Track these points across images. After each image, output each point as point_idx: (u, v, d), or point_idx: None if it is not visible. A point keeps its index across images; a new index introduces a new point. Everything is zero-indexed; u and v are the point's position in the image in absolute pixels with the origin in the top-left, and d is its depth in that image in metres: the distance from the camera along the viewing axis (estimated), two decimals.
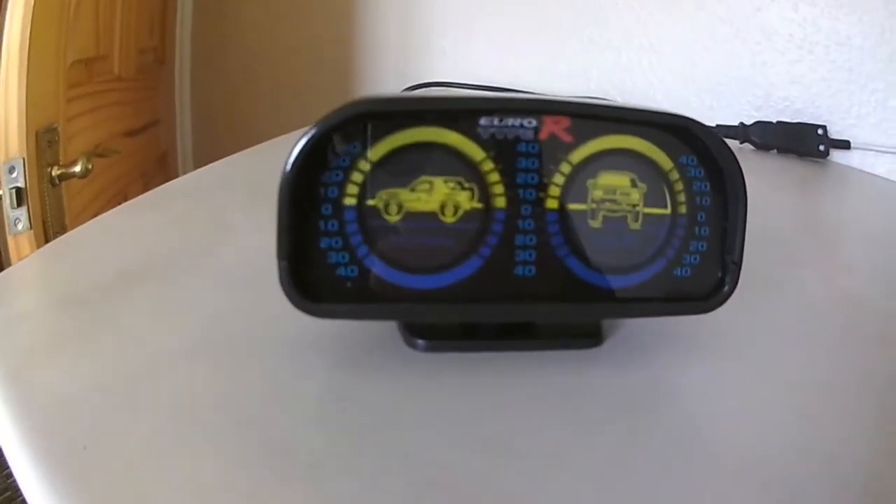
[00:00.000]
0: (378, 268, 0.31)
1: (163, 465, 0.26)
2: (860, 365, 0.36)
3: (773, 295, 0.43)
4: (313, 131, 0.29)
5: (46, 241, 0.74)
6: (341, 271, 0.30)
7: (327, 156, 0.30)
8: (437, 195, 0.31)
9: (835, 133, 0.78)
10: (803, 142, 0.77)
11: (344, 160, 0.30)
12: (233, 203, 0.54)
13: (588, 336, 0.34)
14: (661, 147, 0.32)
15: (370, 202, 0.30)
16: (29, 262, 0.47)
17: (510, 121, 0.30)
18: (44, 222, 0.75)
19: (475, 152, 0.30)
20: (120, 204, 0.53)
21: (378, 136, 0.30)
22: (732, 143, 0.78)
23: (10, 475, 0.26)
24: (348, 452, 0.27)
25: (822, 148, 0.77)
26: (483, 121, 0.30)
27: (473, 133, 0.30)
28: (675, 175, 0.32)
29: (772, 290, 0.43)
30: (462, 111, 0.30)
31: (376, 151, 0.30)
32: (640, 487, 0.26)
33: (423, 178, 0.30)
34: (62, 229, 0.76)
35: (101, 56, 0.90)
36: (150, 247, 0.45)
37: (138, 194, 0.55)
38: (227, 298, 0.38)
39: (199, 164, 1.18)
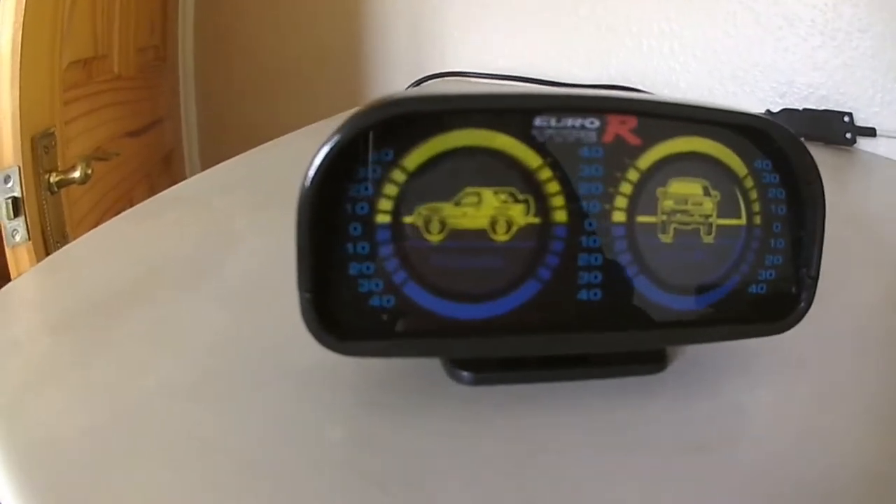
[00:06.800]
0: (419, 296, 0.25)
1: None
2: None
3: (832, 301, 0.37)
4: (336, 138, 0.23)
5: (47, 252, 0.68)
6: (375, 301, 0.25)
7: (354, 166, 0.24)
8: (486, 209, 0.25)
9: (860, 120, 0.73)
10: (830, 129, 0.72)
11: (374, 171, 0.24)
12: (237, 209, 0.48)
13: (651, 361, 0.29)
14: (734, 150, 0.27)
15: (407, 219, 0.25)
16: (24, 280, 0.42)
17: (570, 121, 0.25)
18: (43, 232, 0.69)
19: (530, 158, 0.25)
20: (125, 208, 0.48)
21: (414, 141, 0.24)
22: None
23: None
24: None
25: (848, 136, 0.72)
26: (538, 121, 0.25)
27: (527, 136, 0.25)
28: (749, 182, 0.27)
29: (829, 295, 0.38)
30: (514, 110, 0.25)
31: (413, 159, 0.24)
32: None
33: (469, 189, 0.25)
34: (63, 238, 0.70)
35: (99, 56, 0.84)
36: (150, 260, 0.39)
37: (144, 196, 0.50)
38: (231, 320, 0.33)
39: (205, 161, 1.12)
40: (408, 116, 0.24)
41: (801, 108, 0.72)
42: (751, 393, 0.29)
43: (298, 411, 0.26)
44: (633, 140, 0.26)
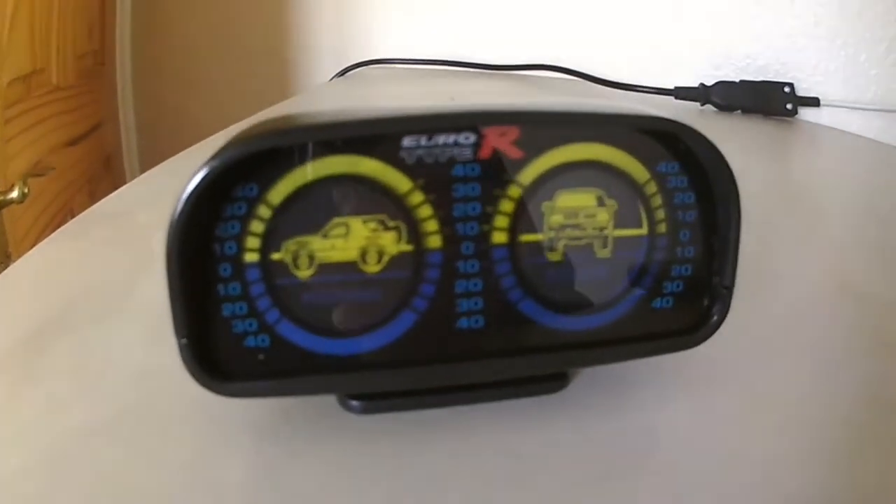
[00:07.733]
0: (292, 334, 0.23)
1: None
2: (873, 379, 0.29)
3: (764, 289, 0.36)
4: (198, 177, 0.22)
5: None
6: (250, 342, 0.23)
7: (220, 204, 0.23)
8: (355, 240, 0.23)
9: (802, 91, 0.71)
10: (769, 101, 0.71)
11: (240, 208, 0.23)
12: (163, 224, 0.47)
13: (550, 380, 0.27)
14: (633, 154, 0.25)
15: (275, 256, 0.23)
16: None
17: (441, 138, 0.23)
18: None
19: (399, 182, 0.23)
20: (66, 218, 0.46)
21: (278, 174, 0.23)
22: (693, 106, 0.71)
23: None
24: None
25: (789, 107, 0.70)
26: (407, 141, 0.23)
27: (395, 158, 0.23)
28: (651, 188, 0.25)
29: (761, 281, 0.36)
30: (377, 134, 0.23)
31: (277, 193, 0.23)
32: None
33: (337, 220, 0.23)
34: (6, 259, 0.68)
35: (38, 70, 0.81)
36: (77, 287, 0.37)
37: (86, 205, 0.48)
38: (148, 351, 0.31)
39: (145, 162, 1.10)
40: (267, 150, 0.23)
41: (737, 80, 0.71)
42: (662, 410, 0.27)
43: (202, 450, 0.24)
44: (515, 153, 0.24)
